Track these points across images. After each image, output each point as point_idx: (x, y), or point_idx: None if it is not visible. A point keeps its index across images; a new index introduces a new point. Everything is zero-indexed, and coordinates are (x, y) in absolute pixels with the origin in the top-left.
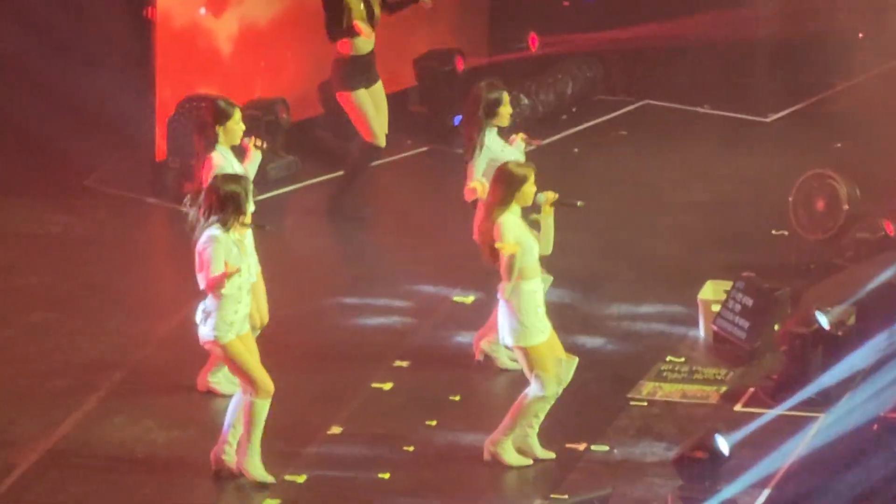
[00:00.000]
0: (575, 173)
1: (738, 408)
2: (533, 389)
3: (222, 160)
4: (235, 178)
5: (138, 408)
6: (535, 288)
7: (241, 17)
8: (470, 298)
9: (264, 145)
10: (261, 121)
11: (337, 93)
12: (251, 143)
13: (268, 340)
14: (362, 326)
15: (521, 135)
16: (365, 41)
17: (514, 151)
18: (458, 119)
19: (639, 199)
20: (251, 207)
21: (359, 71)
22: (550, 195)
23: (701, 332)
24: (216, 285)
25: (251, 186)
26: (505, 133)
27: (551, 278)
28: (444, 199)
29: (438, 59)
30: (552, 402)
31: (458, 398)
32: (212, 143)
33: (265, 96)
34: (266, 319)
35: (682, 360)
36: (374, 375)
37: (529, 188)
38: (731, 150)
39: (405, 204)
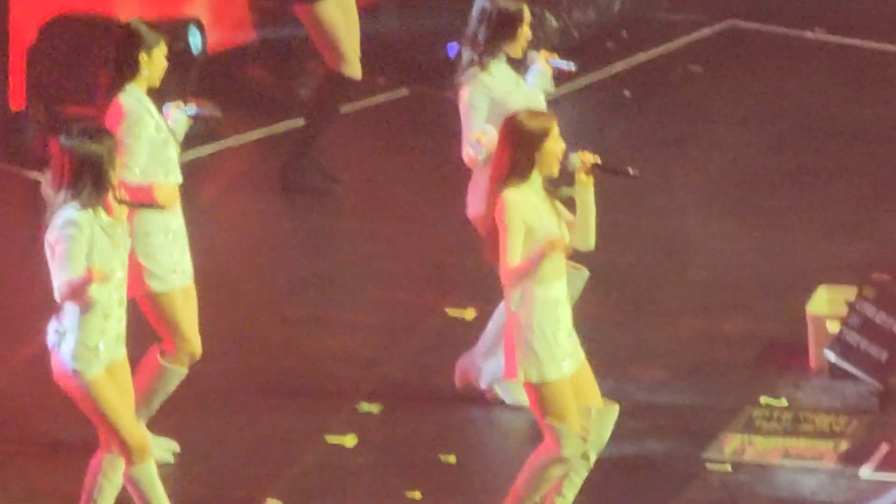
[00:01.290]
0: (624, 128)
1: (865, 474)
2: (547, 446)
3: (137, 105)
4: (96, 134)
5: None
6: (555, 296)
7: None
8: (470, 312)
9: (216, 114)
10: None
11: (296, 3)
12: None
13: None
14: (315, 351)
15: (544, 52)
16: None
17: (531, 91)
18: (453, 48)
19: (716, 166)
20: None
21: None
22: (588, 157)
23: (811, 362)
24: (74, 292)
25: (115, 147)
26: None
27: (586, 273)
28: (433, 166)
29: None
30: (580, 468)
31: (451, 459)
32: (124, 79)
33: (169, 16)
34: (198, 354)
35: (783, 403)
36: (329, 424)
37: (552, 148)
38: (853, 94)
39: (376, 173)
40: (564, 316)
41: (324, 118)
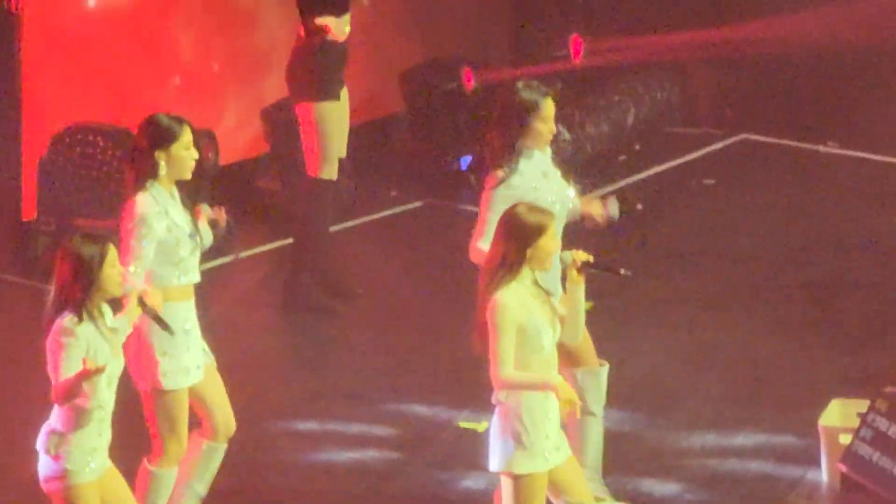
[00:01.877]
0: (638, 240)
1: None
2: None
3: (151, 205)
4: (91, 239)
5: None
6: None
7: (147, 12)
8: (483, 425)
9: (225, 223)
10: None
11: (297, 103)
12: (210, 213)
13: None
14: (323, 465)
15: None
16: (343, 23)
17: (560, 182)
18: (466, 161)
19: (730, 278)
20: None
21: (334, 68)
22: (580, 255)
23: (823, 475)
24: (69, 392)
25: (112, 251)
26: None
27: (606, 366)
28: (445, 276)
29: (437, 72)
30: None
31: None
32: (145, 177)
33: None
34: (232, 427)
35: None
36: None
37: (547, 245)
38: (866, 206)
39: (389, 283)
40: (553, 408)
41: (311, 230)
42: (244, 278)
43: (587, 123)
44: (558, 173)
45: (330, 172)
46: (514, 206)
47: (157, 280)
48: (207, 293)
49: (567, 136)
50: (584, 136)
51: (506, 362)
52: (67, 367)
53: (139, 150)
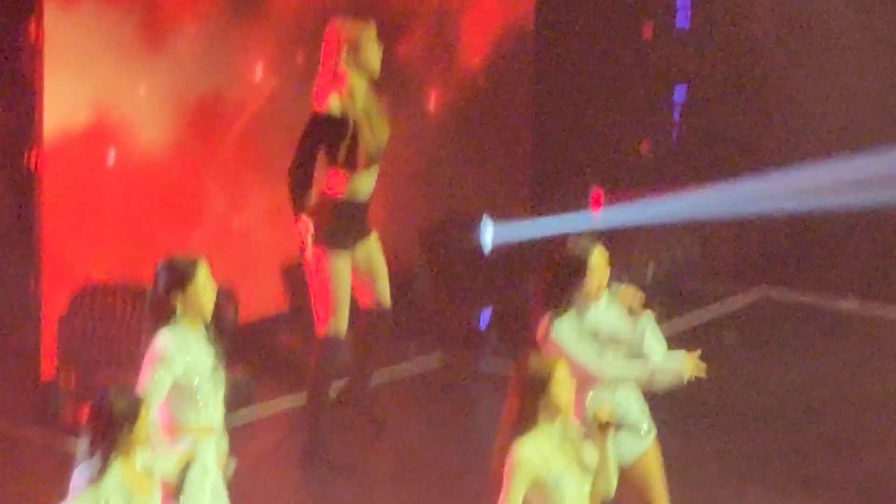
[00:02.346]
0: (655, 397)
1: None
2: None
3: (173, 342)
4: (117, 393)
5: None
6: None
7: (167, 164)
8: None
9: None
10: None
11: (304, 251)
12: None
13: None
14: None
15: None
16: (366, 180)
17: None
18: (486, 318)
19: (754, 437)
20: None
21: (346, 223)
22: (602, 414)
23: None
24: None
25: (145, 409)
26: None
27: None
28: (468, 440)
29: (457, 228)
30: None
31: None
32: (163, 321)
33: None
34: None
35: None
36: None
37: (558, 394)
38: (887, 365)
39: (410, 447)
40: None
41: (319, 390)
42: (264, 435)
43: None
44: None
45: (334, 328)
46: (522, 356)
47: (177, 420)
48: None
49: None
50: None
51: None
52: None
53: (155, 295)
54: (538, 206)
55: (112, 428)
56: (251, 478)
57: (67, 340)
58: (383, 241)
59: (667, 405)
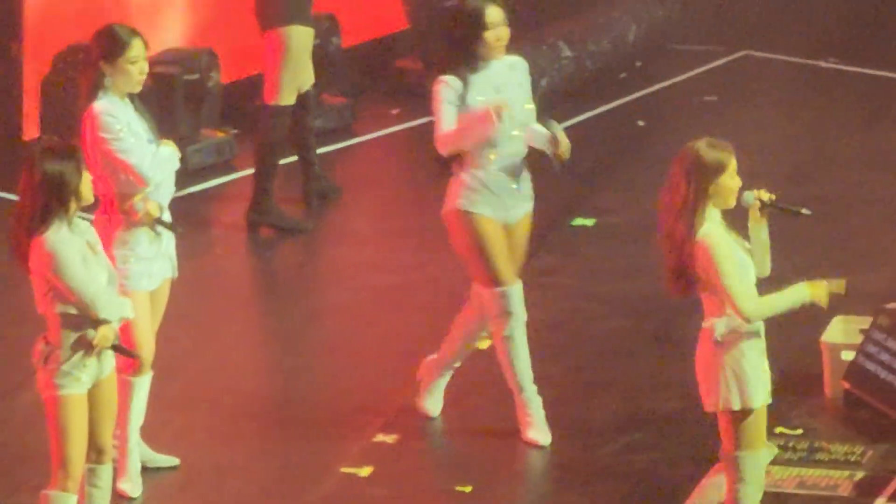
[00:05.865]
0: (638, 156)
1: (881, 503)
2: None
3: (112, 109)
4: (63, 151)
5: None
6: (757, 328)
7: None
8: (483, 342)
9: (178, 231)
10: (178, 81)
11: (266, 29)
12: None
13: (182, 395)
14: (329, 382)
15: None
16: None
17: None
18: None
19: None
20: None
21: None
22: (763, 195)
23: (826, 390)
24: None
25: (82, 163)
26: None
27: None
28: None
29: None
30: None
31: (467, 489)
32: (93, 88)
33: (185, 46)
34: (152, 352)
35: (799, 432)
36: (344, 455)
37: (728, 182)
38: (869, 122)
39: (390, 203)
40: (763, 347)
41: (269, 156)
42: (246, 196)
43: (588, 40)
44: (523, 88)
45: (283, 97)
46: (692, 143)
47: (116, 187)
48: (210, 214)
49: (568, 52)
50: (584, 53)
51: (748, 296)
52: (75, 274)
53: (88, 61)
54: None
55: (60, 188)
56: (235, 233)
57: (49, 102)
58: (364, 6)
59: (649, 166)
